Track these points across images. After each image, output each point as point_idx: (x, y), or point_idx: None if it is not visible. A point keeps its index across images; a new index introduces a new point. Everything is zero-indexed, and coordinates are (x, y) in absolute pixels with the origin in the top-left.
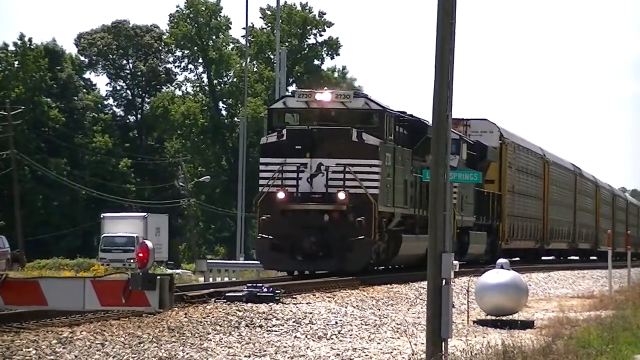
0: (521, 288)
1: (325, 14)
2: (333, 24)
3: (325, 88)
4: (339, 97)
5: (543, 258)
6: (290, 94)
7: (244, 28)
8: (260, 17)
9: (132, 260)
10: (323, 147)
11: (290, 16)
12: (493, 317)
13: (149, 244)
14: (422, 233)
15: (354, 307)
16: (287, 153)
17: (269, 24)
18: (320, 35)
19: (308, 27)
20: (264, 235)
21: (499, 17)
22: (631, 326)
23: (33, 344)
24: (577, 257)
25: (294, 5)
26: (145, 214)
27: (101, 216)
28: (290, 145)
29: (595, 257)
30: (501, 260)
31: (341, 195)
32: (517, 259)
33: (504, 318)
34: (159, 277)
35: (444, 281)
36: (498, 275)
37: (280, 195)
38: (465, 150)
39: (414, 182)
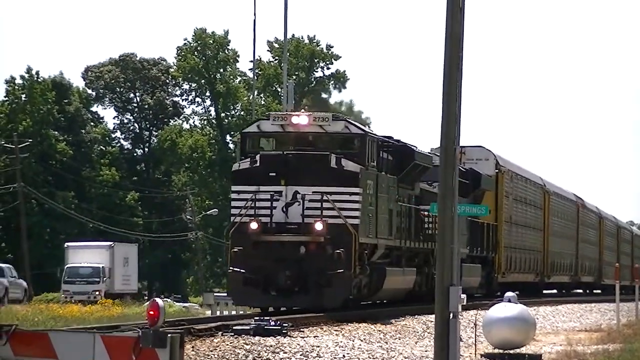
0: (529, 321)
1: (332, 47)
2: (340, 57)
3: (303, 110)
4: (317, 120)
5: (545, 292)
6: (265, 117)
7: (251, 61)
8: (268, 50)
9: (97, 293)
10: (299, 173)
11: (297, 49)
12: (501, 351)
13: (160, 302)
14: (409, 266)
15: (362, 341)
16: (261, 180)
17: (277, 57)
18: (328, 68)
19: (315, 60)
20: (235, 269)
21: (497, 41)
22: None
23: None
24: (581, 291)
25: (302, 38)
26: (111, 243)
27: (65, 245)
28: (264, 172)
29: (599, 291)
30: (509, 294)
31: (318, 226)
32: (513, 293)
33: (512, 352)
34: (169, 335)
35: (451, 314)
36: (506, 309)
37: (253, 225)
38: (457, 178)
39: (400, 211)
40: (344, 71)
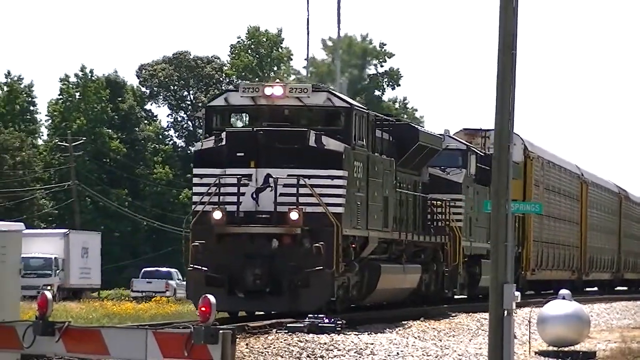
0: (583, 319)
1: (385, 44)
2: (394, 55)
3: (277, 80)
4: (294, 92)
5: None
6: (233, 88)
7: (305, 59)
8: (321, 48)
9: (49, 287)
10: (271, 153)
11: (350, 47)
12: (555, 348)
13: (212, 298)
14: (413, 262)
15: (415, 338)
16: (227, 162)
17: (330, 55)
18: (381, 66)
19: (368, 58)
20: (196, 267)
21: (532, 24)
22: None
23: None
24: (625, 288)
25: (354, 36)
26: (66, 230)
27: None
28: (230, 152)
29: None
30: (563, 291)
31: (293, 215)
32: (568, 291)
33: (566, 349)
34: (221, 331)
35: (505, 312)
36: (560, 306)
37: (217, 215)
38: (473, 163)
39: (401, 199)
40: (398, 69)
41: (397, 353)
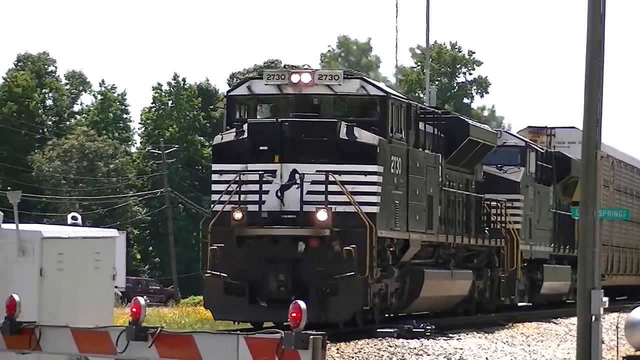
0: None
1: (474, 52)
2: (482, 63)
3: (306, 68)
4: (324, 79)
5: None
6: (257, 75)
7: (395, 67)
8: (410, 57)
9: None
10: (298, 147)
11: (439, 55)
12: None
13: (302, 304)
14: (463, 267)
15: (504, 343)
16: (249, 157)
17: (419, 63)
18: (470, 74)
19: (457, 66)
20: (214, 272)
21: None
22: None
23: None
24: None
25: (444, 44)
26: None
27: None
28: (252, 146)
29: None
30: None
31: (322, 215)
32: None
33: None
34: (312, 336)
35: (593, 317)
36: None
37: (237, 215)
38: (533, 161)
39: (449, 199)
40: (486, 77)
41: (486, 358)
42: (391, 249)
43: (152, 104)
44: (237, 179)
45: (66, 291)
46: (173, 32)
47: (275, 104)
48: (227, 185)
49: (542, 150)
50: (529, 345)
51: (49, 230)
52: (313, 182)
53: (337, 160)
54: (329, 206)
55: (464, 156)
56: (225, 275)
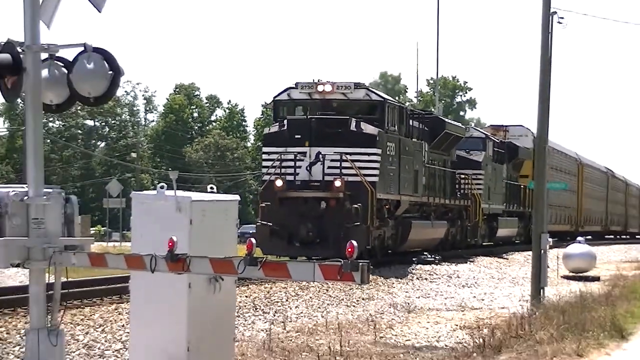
0: (593, 255)
1: (467, 82)
2: (472, 89)
3: (328, 81)
4: (340, 88)
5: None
6: (294, 85)
7: (416, 92)
8: (426, 85)
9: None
10: (322, 136)
11: (445, 84)
12: (574, 274)
13: (355, 242)
14: (440, 219)
15: (485, 267)
16: (287, 142)
17: (432, 89)
18: (464, 96)
19: (456, 91)
20: (263, 222)
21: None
22: None
23: None
24: (612, 237)
25: (448, 77)
26: None
27: None
28: (290, 135)
29: (627, 236)
30: (580, 238)
31: (337, 183)
32: (583, 238)
33: (581, 275)
34: (361, 263)
35: (542, 251)
36: (578, 247)
37: (279, 183)
38: (491, 147)
39: (430, 172)
40: (475, 98)
41: (474, 277)
42: (387, 207)
43: (260, 115)
44: (279, 157)
45: (206, 235)
46: (279, 64)
47: (306, 106)
48: (272, 162)
49: (497, 140)
50: (500, 269)
51: (196, 195)
52: (332, 160)
53: (348, 145)
54: (342, 177)
55: (442, 143)
56: (271, 224)
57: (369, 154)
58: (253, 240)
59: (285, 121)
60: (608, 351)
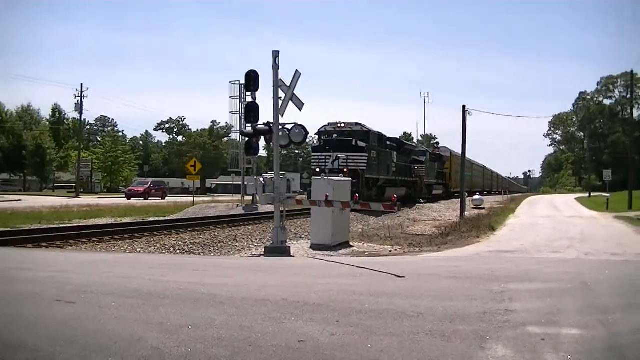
0: (483, 200)
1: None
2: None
3: (343, 121)
4: (347, 125)
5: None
6: (326, 123)
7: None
8: (420, 137)
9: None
10: (338, 147)
11: (428, 137)
12: (476, 207)
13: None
14: (402, 186)
15: (437, 207)
16: (323, 150)
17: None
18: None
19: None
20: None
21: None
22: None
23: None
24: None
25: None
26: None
27: None
28: (324, 147)
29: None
30: (477, 195)
31: (345, 169)
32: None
33: (478, 207)
34: (398, 203)
35: (464, 198)
36: (478, 196)
37: (317, 170)
38: (428, 155)
39: (398, 165)
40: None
41: (436, 208)
42: (371, 181)
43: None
44: (320, 157)
45: (338, 193)
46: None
47: (332, 133)
48: (317, 159)
49: (431, 152)
50: (444, 205)
51: (333, 178)
52: (342, 159)
53: (351, 152)
54: (348, 167)
55: (405, 153)
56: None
57: (360, 156)
58: (357, 195)
59: (322, 140)
60: (489, 235)
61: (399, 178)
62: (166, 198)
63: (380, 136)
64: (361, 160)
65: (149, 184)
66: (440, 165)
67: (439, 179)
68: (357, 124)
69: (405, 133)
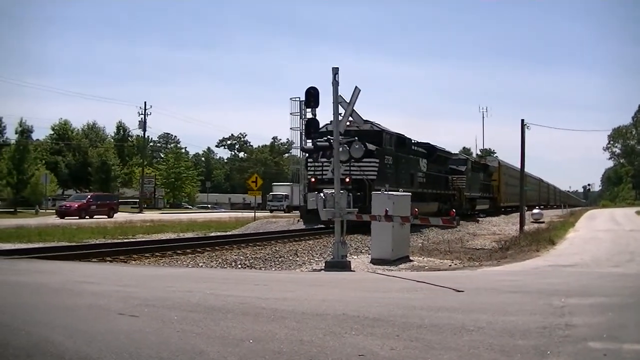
0: (542, 214)
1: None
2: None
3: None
4: (352, 124)
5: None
6: (329, 122)
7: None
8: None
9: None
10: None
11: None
12: (535, 221)
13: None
14: (432, 200)
15: (494, 219)
16: (323, 155)
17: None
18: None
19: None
20: (303, 205)
21: None
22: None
23: None
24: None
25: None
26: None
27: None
28: (317, 151)
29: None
30: (536, 210)
31: (347, 179)
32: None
33: (538, 221)
34: (457, 217)
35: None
36: (537, 210)
37: (313, 180)
38: (470, 164)
39: (426, 175)
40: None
41: (496, 222)
42: None
43: None
44: (315, 164)
45: (398, 208)
46: None
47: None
48: (312, 167)
49: (473, 160)
50: (500, 226)
51: (393, 193)
52: (344, 166)
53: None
54: (351, 176)
55: (438, 161)
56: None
57: (369, 162)
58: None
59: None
60: (549, 249)
61: (429, 190)
62: (115, 215)
63: (401, 139)
64: (369, 167)
65: (87, 198)
66: (486, 177)
67: (484, 192)
68: (366, 122)
69: (464, 148)
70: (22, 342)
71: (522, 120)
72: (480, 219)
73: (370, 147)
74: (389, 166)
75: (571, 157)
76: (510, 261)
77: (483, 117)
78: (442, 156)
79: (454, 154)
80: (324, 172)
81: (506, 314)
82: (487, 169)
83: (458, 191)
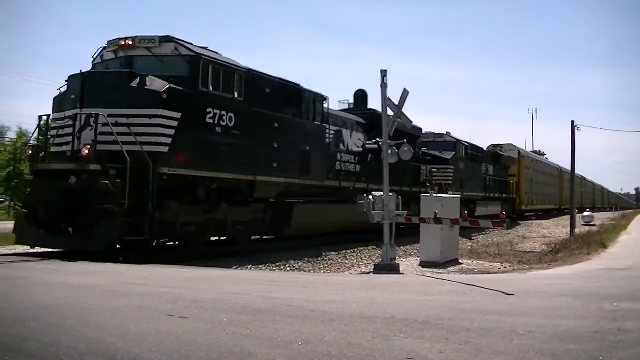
0: (593, 216)
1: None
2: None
3: (136, 35)
4: (143, 43)
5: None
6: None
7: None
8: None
9: None
10: (95, 95)
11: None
12: (586, 224)
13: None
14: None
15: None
16: (65, 105)
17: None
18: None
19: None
20: (19, 204)
21: None
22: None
23: None
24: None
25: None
26: None
27: None
28: (68, 97)
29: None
30: (587, 213)
31: (85, 151)
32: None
33: (589, 224)
34: (507, 219)
35: (574, 214)
36: (588, 213)
37: (30, 152)
38: (463, 149)
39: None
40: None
41: (545, 225)
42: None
43: None
44: (48, 123)
45: (447, 210)
46: None
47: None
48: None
49: (468, 145)
50: (550, 229)
51: (442, 195)
52: (104, 125)
53: (127, 106)
54: (122, 144)
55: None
56: (24, 205)
57: (150, 117)
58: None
59: (67, 79)
60: (600, 252)
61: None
62: None
63: (216, 64)
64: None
65: None
66: (499, 170)
67: (491, 191)
68: (164, 39)
69: None
70: (73, 342)
71: (572, 122)
72: (530, 221)
73: (157, 85)
74: (197, 127)
75: (623, 159)
76: (560, 264)
77: (532, 119)
78: (408, 134)
79: (438, 134)
80: (68, 136)
81: (557, 318)
82: (500, 160)
83: (441, 188)
